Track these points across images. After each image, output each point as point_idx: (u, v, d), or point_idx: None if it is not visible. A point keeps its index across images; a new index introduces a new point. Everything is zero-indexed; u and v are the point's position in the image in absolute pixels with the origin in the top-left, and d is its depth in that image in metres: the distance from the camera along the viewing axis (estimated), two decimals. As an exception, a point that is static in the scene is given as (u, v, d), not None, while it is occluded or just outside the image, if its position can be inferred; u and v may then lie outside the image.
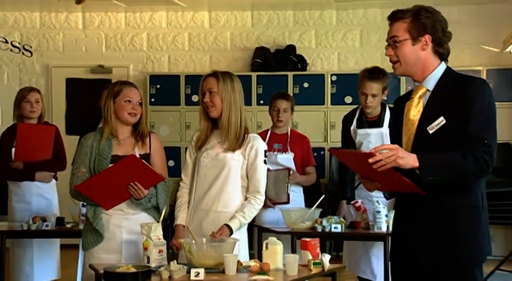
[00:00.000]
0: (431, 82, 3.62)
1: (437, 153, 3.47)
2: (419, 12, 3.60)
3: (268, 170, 6.24)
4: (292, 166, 6.34)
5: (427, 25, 3.58)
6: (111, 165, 4.60)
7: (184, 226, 4.68)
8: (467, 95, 3.48)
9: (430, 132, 3.54)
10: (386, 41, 3.70)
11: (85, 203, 4.80)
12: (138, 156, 4.65)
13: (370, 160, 3.40)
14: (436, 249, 3.55)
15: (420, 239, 3.59)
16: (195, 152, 4.79)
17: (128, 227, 4.63)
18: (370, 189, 3.77)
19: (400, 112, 3.74)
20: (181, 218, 4.73)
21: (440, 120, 3.51)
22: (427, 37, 3.59)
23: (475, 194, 3.53)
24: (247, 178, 4.70)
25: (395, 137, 3.74)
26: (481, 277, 3.61)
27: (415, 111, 3.64)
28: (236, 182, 4.68)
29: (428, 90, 3.63)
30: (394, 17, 3.66)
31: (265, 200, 6.15)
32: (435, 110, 3.55)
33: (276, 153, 6.35)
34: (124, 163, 4.57)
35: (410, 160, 3.41)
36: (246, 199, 4.69)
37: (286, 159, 6.34)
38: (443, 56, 3.65)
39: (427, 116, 3.57)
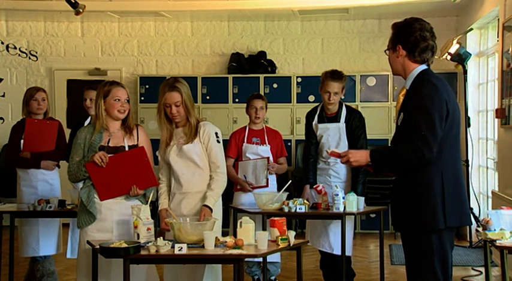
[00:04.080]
0: (408, 83, 3.83)
1: (385, 150, 3.82)
2: (395, 27, 3.87)
3: (249, 159, 6.31)
4: (270, 156, 6.35)
5: (399, 37, 3.82)
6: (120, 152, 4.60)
7: (167, 210, 4.77)
8: (415, 94, 3.68)
9: (398, 124, 3.78)
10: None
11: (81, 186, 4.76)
12: (127, 147, 4.63)
13: (342, 161, 3.86)
14: (400, 217, 3.79)
15: (392, 209, 3.86)
16: (163, 152, 4.88)
17: (118, 210, 4.62)
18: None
19: None
20: (163, 205, 4.84)
21: (401, 116, 3.75)
22: (399, 46, 3.81)
23: (428, 174, 3.68)
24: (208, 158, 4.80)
25: None
26: (439, 242, 3.70)
27: (397, 106, 3.88)
28: (202, 165, 4.79)
29: (407, 89, 3.82)
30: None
31: (244, 185, 6.23)
32: (403, 107, 3.77)
33: (256, 145, 6.35)
34: (133, 151, 4.55)
35: (362, 161, 3.76)
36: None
37: (266, 150, 6.35)
38: (420, 59, 3.81)
39: (399, 112, 3.80)
